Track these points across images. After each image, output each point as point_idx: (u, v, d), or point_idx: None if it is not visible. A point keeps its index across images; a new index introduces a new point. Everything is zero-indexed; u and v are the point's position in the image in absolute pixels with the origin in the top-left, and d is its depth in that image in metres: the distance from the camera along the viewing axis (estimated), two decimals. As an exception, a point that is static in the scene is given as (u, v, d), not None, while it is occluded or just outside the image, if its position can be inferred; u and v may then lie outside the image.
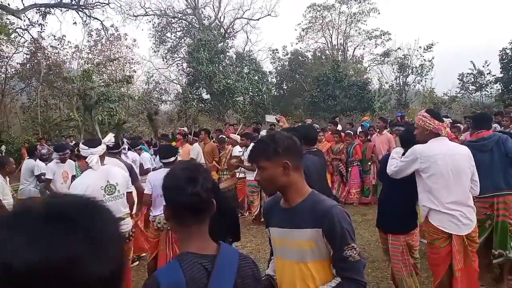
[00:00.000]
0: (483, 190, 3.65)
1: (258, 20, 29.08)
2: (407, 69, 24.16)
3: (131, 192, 3.94)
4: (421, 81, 24.28)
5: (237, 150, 7.59)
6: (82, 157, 3.62)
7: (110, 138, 5.05)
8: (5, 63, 18.34)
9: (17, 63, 19.81)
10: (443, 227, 3.13)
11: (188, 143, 8.44)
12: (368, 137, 8.56)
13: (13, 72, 19.57)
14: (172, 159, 4.30)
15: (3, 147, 15.26)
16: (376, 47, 27.82)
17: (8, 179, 5.51)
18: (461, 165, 3.13)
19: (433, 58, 23.53)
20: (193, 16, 27.18)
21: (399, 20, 53.58)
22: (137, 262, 5.77)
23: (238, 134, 8.72)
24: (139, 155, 6.92)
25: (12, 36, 17.52)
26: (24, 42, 19.52)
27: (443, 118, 3.43)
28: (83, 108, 15.74)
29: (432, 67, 23.61)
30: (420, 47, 23.91)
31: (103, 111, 15.48)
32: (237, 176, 7.62)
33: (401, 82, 24.76)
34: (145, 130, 17.81)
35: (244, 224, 7.12)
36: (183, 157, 8.00)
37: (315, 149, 3.91)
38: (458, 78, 21.97)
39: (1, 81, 18.75)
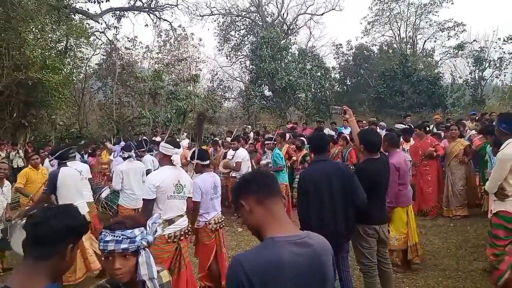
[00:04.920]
0: None
1: (322, 15, 28.75)
2: (484, 62, 22.37)
3: (191, 197, 4.17)
4: (500, 75, 22.42)
5: (232, 153, 8.19)
6: (165, 155, 3.94)
7: (187, 143, 5.39)
8: (85, 64, 19.85)
9: (95, 64, 21.37)
10: None
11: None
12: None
13: (91, 72, 21.14)
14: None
15: (82, 142, 16.59)
16: (448, 39, 25.99)
17: None
18: None
19: (514, 50, 21.59)
20: (256, 14, 27.47)
21: (475, 9, 49.72)
22: None
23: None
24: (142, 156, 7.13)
25: (91, 39, 18.91)
26: (101, 44, 21.02)
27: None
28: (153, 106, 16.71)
29: (513, 60, 21.69)
30: (499, 38, 22.10)
31: (172, 109, 16.22)
32: (230, 175, 8.12)
33: (477, 77, 22.99)
34: (208, 127, 18.39)
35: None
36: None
37: (378, 156, 3.81)
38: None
39: (81, 80, 20.32)
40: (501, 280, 3.72)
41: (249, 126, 15.40)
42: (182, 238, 3.84)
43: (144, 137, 10.73)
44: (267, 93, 24.12)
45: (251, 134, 10.77)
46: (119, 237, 1.70)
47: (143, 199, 3.75)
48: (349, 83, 28.01)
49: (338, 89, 27.33)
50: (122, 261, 1.72)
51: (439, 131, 8.81)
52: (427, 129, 8.16)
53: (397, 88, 21.86)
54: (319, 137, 4.06)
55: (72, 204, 1.71)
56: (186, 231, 3.93)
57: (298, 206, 3.67)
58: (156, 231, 1.79)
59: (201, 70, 23.79)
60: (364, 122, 11.76)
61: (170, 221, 3.75)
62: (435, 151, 7.25)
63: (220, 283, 4.46)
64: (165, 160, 3.93)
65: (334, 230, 3.45)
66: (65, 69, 15.38)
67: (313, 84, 23.46)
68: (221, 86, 25.57)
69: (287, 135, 9.58)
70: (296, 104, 23.15)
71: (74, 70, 18.02)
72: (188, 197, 4.05)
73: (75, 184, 4.94)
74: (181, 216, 3.88)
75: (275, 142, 7.93)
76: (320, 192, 3.43)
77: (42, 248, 1.48)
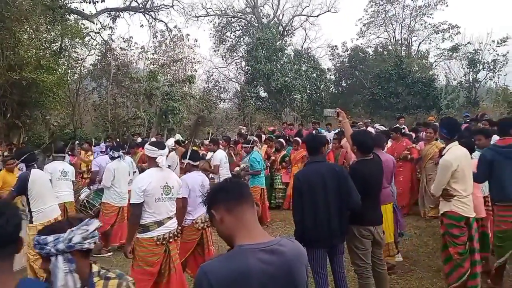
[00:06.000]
0: (506, 197, 4.05)
1: (317, 16, 28.86)
2: (478, 64, 22.52)
3: (181, 198, 4.16)
4: (494, 77, 22.54)
5: (210, 156, 8.13)
6: (150, 157, 3.88)
7: (172, 142, 5.39)
8: (80, 64, 19.74)
9: (90, 64, 21.23)
10: None
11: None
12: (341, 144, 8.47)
13: (86, 72, 21.01)
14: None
15: (76, 143, 16.50)
16: (443, 41, 26.14)
17: None
18: None
19: (507, 52, 21.77)
20: (252, 15, 27.50)
21: (470, 12, 50.05)
22: (111, 253, 6.39)
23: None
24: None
25: (86, 39, 18.79)
26: (96, 45, 20.88)
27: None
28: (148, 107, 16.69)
29: (507, 62, 21.84)
30: (493, 41, 22.23)
31: (167, 110, 16.19)
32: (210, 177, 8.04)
33: (471, 79, 23.13)
34: (204, 128, 18.35)
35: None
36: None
37: (371, 157, 3.84)
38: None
39: (76, 81, 20.21)
40: (464, 278, 3.85)
41: (244, 127, 15.39)
42: (171, 240, 3.80)
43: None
44: (263, 94, 24.14)
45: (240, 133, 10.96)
46: (35, 242, 1.77)
47: (130, 204, 3.70)
48: (344, 85, 28.08)
49: (333, 90, 27.40)
50: (43, 262, 1.79)
51: (410, 133, 9.02)
52: (402, 131, 8.50)
53: (392, 90, 21.97)
54: (312, 138, 4.07)
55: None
56: (176, 233, 3.89)
57: (293, 207, 3.69)
58: (71, 239, 1.74)
59: (196, 71, 23.72)
60: (360, 123, 11.86)
61: (159, 223, 3.71)
62: (410, 154, 7.51)
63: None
64: (151, 162, 3.85)
65: (328, 231, 3.46)
66: (59, 70, 15.26)
67: (308, 85, 23.52)
68: (217, 87, 25.54)
69: (263, 137, 9.96)
70: (291, 105, 23.19)
71: (69, 71, 17.91)
72: (177, 198, 4.03)
73: (46, 186, 4.99)
74: (170, 218, 3.85)
75: (252, 146, 7.94)
76: (314, 192, 3.44)
77: (6, 248, 1.53)
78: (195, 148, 8.95)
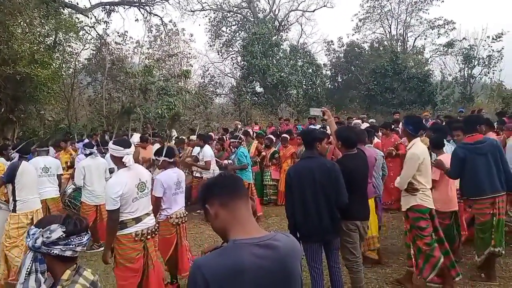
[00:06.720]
0: (482, 191, 4.29)
1: (313, 11, 28.80)
2: (473, 60, 22.62)
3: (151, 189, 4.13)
4: (489, 73, 22.69)
5: (196, 151, 8.14)
6: (115, 157, 3.70)
7: (137, 139, 5.36)
8: (74, 59, 19.54)
9: (85, 58, 21.04)
10: None
11: (150, 144, 9.07)
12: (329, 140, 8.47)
13: (81, 67, 20.81)
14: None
15: (71, 137, 16.39)
16: (439, 37, 26.23)
17: None
18: None
19: (502, 48, 21.89)
20: (248, 10, 27.40)
21: (465, 7, 50.15)
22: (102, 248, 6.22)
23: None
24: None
25: (80, 33, 18.60)
26: (91, 39, 20.67)
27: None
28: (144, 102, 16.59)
29: (501, 58, 21.99)
30: (488, 36, 22.33)
31: (162, 104, 16.11)
32: (193, 175, 8.08)
33: (466, 74, 23.24)
34: (200, 123, 18.30)
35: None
36: (147, 156, 8.32)
37: (355, 152, 3.91)
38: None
39: (70, 75, 20.02)
40: (438, 266, 3.95)
41: (240, 123, 15.37)
42: (149, 237, 3.76)
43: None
44: (259, 89, 24.13)
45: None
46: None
47: (107, 211, 3.58)
48: (340, 80, 28.13)
49: (329, 86, 27.46)
50: None
51: (397, 128, 9.19)
52: (392, 127, 8.61)
53: (388, 85, 22.03)
54: (306, 132, 4.10)
55: None
56: (153, 230, 3.86)
57: (285, 202, 3.76)
58: (36, 239, 1.69)
59: (192, 66, 23.60)
60: (354, 119, 11.87)
61: (137, 219, 3.68)
62: (396, 150, 7.62)
63: (176, 270, 4.54)
64: (117, 162, 3.71)
65: (320, 226, 3.49)
66: (54, 64, 15.11)
67: (304, 81, 23.53)
68: (212, 82, 25.51)
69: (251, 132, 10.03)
70: (287, 101, 23.19)
71: (63, 65, 17.72)
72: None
73: (32, 179, 5.13)
74: (148, 214, 3.83)
75: (240, 141, 7.94)
76: (303, 187, 3.49)
77: None
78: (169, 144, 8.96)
